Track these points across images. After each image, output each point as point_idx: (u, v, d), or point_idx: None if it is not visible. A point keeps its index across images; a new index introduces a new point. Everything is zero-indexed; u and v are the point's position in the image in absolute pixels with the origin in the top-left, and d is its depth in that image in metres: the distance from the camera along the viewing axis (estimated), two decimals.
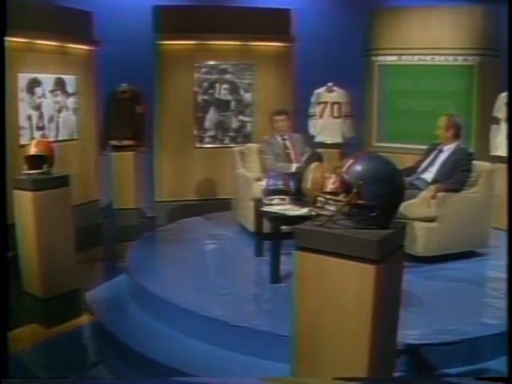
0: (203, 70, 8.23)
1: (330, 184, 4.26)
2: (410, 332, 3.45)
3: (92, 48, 7.61)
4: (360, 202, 2.67)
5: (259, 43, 8.26)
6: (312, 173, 4.79)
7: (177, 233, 6.12)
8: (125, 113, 7.71)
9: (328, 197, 2.72)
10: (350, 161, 2.69)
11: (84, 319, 4.53)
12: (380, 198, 2.68)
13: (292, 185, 4.91)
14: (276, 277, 4.42)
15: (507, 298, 3.72)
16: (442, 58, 7.78)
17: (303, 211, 4.37)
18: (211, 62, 8.24)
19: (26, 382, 2.06)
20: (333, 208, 2.70)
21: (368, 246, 2.60)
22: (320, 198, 2.74)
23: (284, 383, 2.20)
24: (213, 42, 8.15)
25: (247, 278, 4.82)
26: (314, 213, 2.79)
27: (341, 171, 2.69)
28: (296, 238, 2.73)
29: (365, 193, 2.66)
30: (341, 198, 2.71)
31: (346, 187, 2.70)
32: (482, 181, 5.11)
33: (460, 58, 7.72)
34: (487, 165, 5.24)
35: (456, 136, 5.23)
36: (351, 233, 2.67)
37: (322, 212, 2.69)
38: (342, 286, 2.66)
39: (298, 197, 4.77)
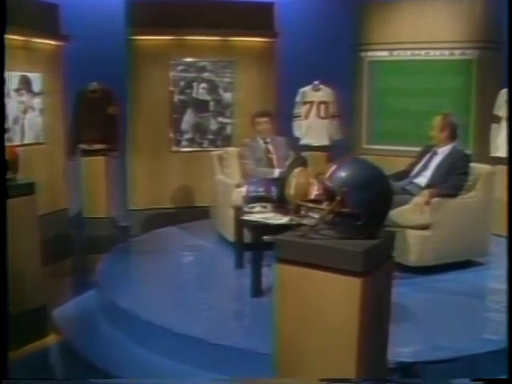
0: (180, 67, 8.24)
1: (315, 191, 4.29)
2: (402, 349, 3.46)
3: (59, 43, 7.59)
4: (344, 210, 2.69)
5: (240, 39, 8.30)
6: (296, 178, 4.81)
7: (152, 244, 6.13)
8: (95, 114, 7.69)
9: (310, 205, 2.74)
10: (333, 166, 2.72)
11: (50, 339, 4.51)
12: (365, 206, 2.70)
13: (274, 191, 4.94)
14: (257, 290, 4.44)
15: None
16: (438, 52, 7.78)
17: (286, 219, 4.40)
18: (188, 59, 8.26)
19: None
20: (315, 217, 2.72)
21: (353, 257, 2.61)
22: (301, 207, 2.77)
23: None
24: (190, 38, 8.17)
25: (227, 292, 4.83)
26: (295, 222, 2.82)
27: (323, 178, 2.72)
28: (276, 250, 2.75)
29: (349, 200, 2.68)
30: (324, 206, 2.74)
31: (329, 194, 2.72)
32: (480, 184, 5.14)
33: (457, 51, 7.71)
34: (486, 167, 5.27)
35: (452, 137, 5.27)
36: (335, 243, 2.68)
37: (304, 221, 2.71)
38: (326, 300, 2.68)
39: (281, 204, 4.79)
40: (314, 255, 2.67)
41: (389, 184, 2.92)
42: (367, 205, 2.70)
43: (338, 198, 2.68)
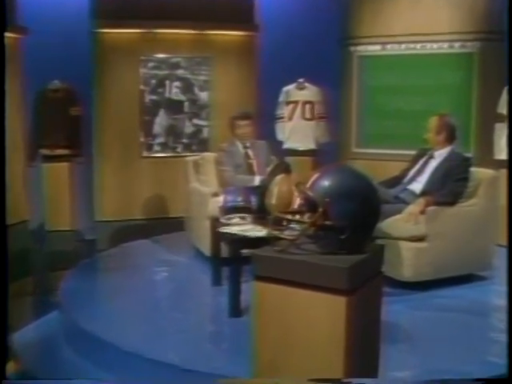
0: (151, 64, 8.27)
1: (299, 200, 4.32)
2: (396, 373, 3.47)
3: (16, 36, 7.56)
4: (327, 222, 2.71)
5: (217, 32, 8.36)
6: (278, 186, 4.81)
7: (121, 259, 6.14)
8: (57, 116, 7.67)
9: (289, 217, 2.77)
10: (315, 175, 2.74)
11: (8, 368, 4.49)
12: (350, 218, 2.73)
13: (254, 201, 4.94)
14: (236, 310, 4.46)
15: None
16: (435, 45, 7.78)
17: (267, 232, 4.41)
18: (160, 55, 8.29)
19: None
20: (296, 230, 2.75)
21: (337, 274, 2.64)
22: (281, 219, 2.80)
23: None
24: (162, 31, 8.20)
25: (203, 312, 4.84)
26: (273, 235, 2.83)
27: (304, 187, 2.74)
28: (253, 266, 2.78)
29: (332, 212, 2.71)
30: (305, 218, 2.76)
31: (310, 206, 2.75)
32: (482, 191, 5.15)
33: (457, 44, 7.70)
34: (488, 172, 5.28)
35: (449, 139, 5.29)
36: (317, 259, 2.71)
37: (283, 235, 2.74)
38: (308, 321, 2.71)
39: (262, 215, 4.76)
40: (295, 272, 2.70)
41: (376, 193, 2.94)
42: (352, 217, 2.73)
43: (321, 209, 2.70)
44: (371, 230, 2.87)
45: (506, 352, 3.13)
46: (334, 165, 3.10)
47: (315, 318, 2.70)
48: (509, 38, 6.21)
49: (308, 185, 2.77)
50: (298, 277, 2.70)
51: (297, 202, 4.41)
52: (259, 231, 4.55)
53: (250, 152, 5.99)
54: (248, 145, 5.99)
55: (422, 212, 4.91)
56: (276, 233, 2.81)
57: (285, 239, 2.78)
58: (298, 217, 2.93)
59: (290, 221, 2.79)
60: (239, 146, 5.99)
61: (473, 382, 2.86)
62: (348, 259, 2.71)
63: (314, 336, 2.71)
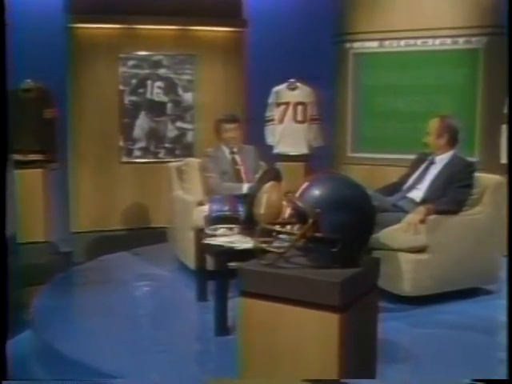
0: (130, 62, 8.28)
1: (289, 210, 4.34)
2: None
3: None
4: (318, 234, 2.74)
5: (202, 28, 8.39)
6: (267, 195, 4.82)
7: (99, 273, 6.15)
8: (30, 118, 7.66)
9: (278, 228, 2.79)
10: (305, 184, 2.76)
11: None
12: (343, 230, 2.75)
13: (242, 210, 4.95)
14: (223, 327, 4.46)
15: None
16: (438, 41, 7.69)
17: (253, 244, 4.43)
18: (141, 53, 8.31)
19: None
20: (285, 242, 2.77)
21: (329, 289, 2.66)
22: (269, 230, 2.81)
23: None
24: (143, 27, 8.21)
25: (188, 330, 4.82)
26: (261, 247, 2.84)
27: (293, 197, 2.76)
28: (239, 281, 2.80)
29: (323, 223, 2.74)
30: (294, 229, 2.78)
31: (300, 216, 2.77)
32: (487, 198, 5.15)
33: (461, 39, 7.58)
34: (494, 177, 5.26)
35: (451, 143, 5.30)
36: (307, 273, 2.73)
37: (271, 248, 2.75)
38: (298, 339, 2.73)
39: (250, 225, 4.74)
40: (283, 287, 2.72)
41: (370, 203, 2.97)
42: (345, 228, 2.75)
43: (311, 220, 2.72)
44: (365, 241, 2.89)
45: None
46: (324, 173, 3.10)
47: (305, 336, 2.72)
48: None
49: (297, 194, 2.78)
50: (287, 292, 2.72)
51: (287, 211, 4.46)
52: (247, 243, 4.51)
53: (238, 157, 6.02)
54: (235, 150, 6.01)
55: (423, 221, 4.90)
56: (263, 245, 2.82)
57: (273, 252, 2.79)
58: (287, 228, 2.96)
59: (278, 232, 2.81)
60: (226, 151, 6.02)
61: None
62: (340, 273, 2.73)
63: (304, 356, 2.73)
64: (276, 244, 2.87)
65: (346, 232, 2.77)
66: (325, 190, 2.79)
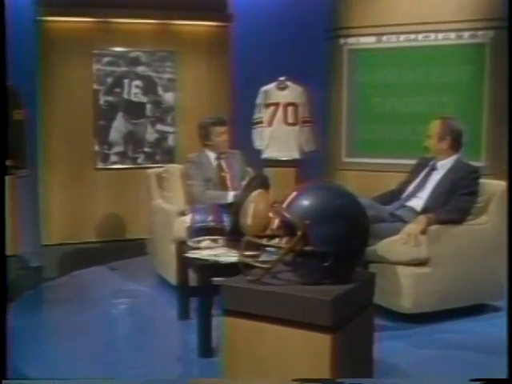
0: (106, 59, 8.24)
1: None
2: None
3: None
4: (307, 248, 2.77)
5: (184, 22, 8.39)
6: (254, 204, 4.85)
7: (72, 289, 6.16)
8: None
9: (265, 242, 2.80)
10: (293, 194, 2.77)
11: None
12: (334, 243, 2.78)
13: (227, 221, 5.00)
14: (207, 348, 4.47)
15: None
16: (440, 35, 7.65)
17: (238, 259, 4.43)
18: (117, 49, 8.29)
19: None
20: (272, 256, 2.78)
21: (319, 307, 2.68)
22: (254, 244, 2.83)
23: None
24: (119, 20, 8.18)
25: (169, 352, 4.83)
26: (246, 262, 2.85)
27: (281, 208, 2.77)
28: (223, 299, 2.81)
29: (313, 236, 2.77)
30: (282, 242, 2.80)
31: (288, 229, 2.79)
32: (494, 206, 5.17)
33: (466, 33, 7.52)
34: (501, 184, 5.25)
35: (454, 147, 5.33)
36: (296, 290, 2.75)
37: (257, 262, 2.76)
38: (287, 362, 2.75)
39: (236, 237, 4.71)
40: (270, 306, 2.74)
41: (364, 213, 2.99)
42: (336, 241, 2.78)
43: (300, 233, 2.75)
44: (358, 255, 2.92)
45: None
46: (313, 181, 3.11)
47: (294, 358, 2.74)
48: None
49: (284, 205, 2.79)
50: (274, 311, 2.74)
51: (277, 221, 4.48)
52: (233, 256, 4.50)
53: (223, 163, 6.05)
54: (220, 155, 6.04)
55: (423, 232, 4.91)
56: (249, 260, 2.83)
57: (259, 267, 2.80)
58: (275, 241, 2.97)
59: (265, 246, 2.82)
60: (210, 156, 6.05)
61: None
62: (332, 290, 2.75)
63: (294, 378, 2.72)
64: (263, 258, 2.88)
65: (337, 245, 2.79)
66: (314, 199, 2.81)
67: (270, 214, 4.25)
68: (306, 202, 2.80)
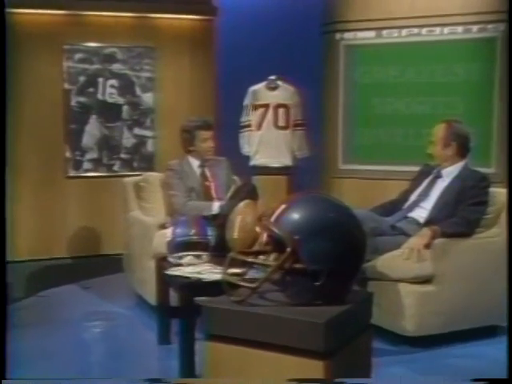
0: (78, 55, 8.24)
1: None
2: None
3: None
4: (297, 265, 2.78)
5: (164, 16, 8.42)
6: (241, 216, 4.88)
7: (39, 311, 6.14)
8: None
9: (251, 259, 2.81)
10: (282, 206, 2.78)
11: None
12: (326, 260, 2.79)
13: (211, 234, 5.00)
14: (190, 375, 4.43)
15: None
16: (446, 29, 7.63)
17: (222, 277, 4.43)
18: (90, 44, 8.29)
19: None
20: (259, 274, 2.79)
21: (311, 331, 2.68)
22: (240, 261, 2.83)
23: None
24: (92, 13, 8.20)
25: (148, 379, 4.87)
26: (231, 281, 2.85)
27: (268, 222, 2.79)
28: (205, 322, 2.82)
29: (304, 252, 2.78)
30: (270, 259, 2.81)
31: (276, 245, 2.80)
32: (505, 218, 5.12)
33: (475, 27, 7.50)
34: None
35: (461, 153, 5.35)
36: (285, 312, 2.76)
37: (242, 282, 2.77)
38: None
39: (221, 252, 4.70)
40: (257, 329, 2.74)
41: (360, 228, 3.01)
42: (329, 258, 2.79)
43: (289, 249, 2.76)
44: (354, 274, 2.92)
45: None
46: (304, 192, 3.10)
47: None
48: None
49: (272, 219, 2.81)
50: (261, 335, 2.74)
51: (265, 236, 4.49)
52: (218, 273, 4.52)
53: (207, 171, 6.07)
54: (205, 163, 6.06)
55: (428, 246, 4.91)
56: (233, 278, 2.84)
57: (244, 286, 2.81)
58: (262, 258, 2.98)
59: (251, 263, 2.83)
60: (194, 163, 6.07)
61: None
62: (325, 312, 2.76)
63: None
64: (249, 276, 2.89)
65: (330, 263, 2.80)
66: (305, 213, 2.83)
67: (257, 229, 4.32)
68: (295, 216, 2.80)
